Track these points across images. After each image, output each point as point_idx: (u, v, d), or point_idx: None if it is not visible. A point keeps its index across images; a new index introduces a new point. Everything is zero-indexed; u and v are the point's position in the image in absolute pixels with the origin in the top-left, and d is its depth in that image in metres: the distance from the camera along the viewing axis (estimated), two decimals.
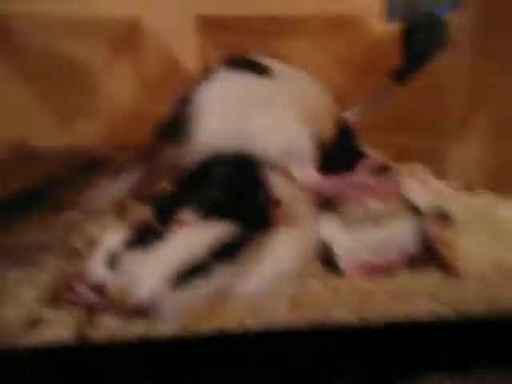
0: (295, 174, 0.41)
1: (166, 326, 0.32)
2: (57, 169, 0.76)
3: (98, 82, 1.04)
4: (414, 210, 0.41)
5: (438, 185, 0.61)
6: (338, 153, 0.45)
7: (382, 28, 0.96)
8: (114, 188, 0.42)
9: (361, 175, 0.39)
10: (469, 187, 0.59)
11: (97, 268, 0.36)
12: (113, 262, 0.36)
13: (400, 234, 0.38)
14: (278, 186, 0.39)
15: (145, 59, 1.08)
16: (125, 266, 0.36)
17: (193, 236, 0.35)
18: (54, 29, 0.93)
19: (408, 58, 0.54)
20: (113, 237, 0.37)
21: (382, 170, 0.41)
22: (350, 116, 0.55)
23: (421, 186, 0.48)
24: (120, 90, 1.05)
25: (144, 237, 0.37)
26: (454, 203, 0.51)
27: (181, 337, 0.32)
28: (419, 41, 0.52)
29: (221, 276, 0.33)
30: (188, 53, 1.07)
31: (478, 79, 0.64)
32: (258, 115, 0.42)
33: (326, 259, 0.39)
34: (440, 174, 0.67)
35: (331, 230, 0.40)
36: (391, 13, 0.53)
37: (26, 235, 0.50)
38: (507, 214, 0.52)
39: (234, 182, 0.38)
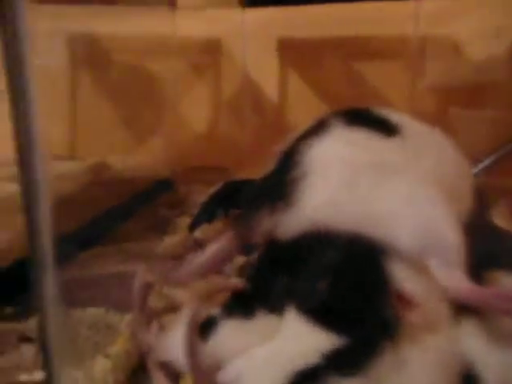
0: (437, 274, 0.29)
1: None
2: (134, 188, 0.75)
3: (177, 102, 1.05)
4: None
5: None
6: (475, 236, 0.34)
7: (489, 54, 0.86)
8: (197, 261, 0.34)
9: None
10: None
11: (177, 343, 0.29)
12: (208, 330, 0.29)
13: None
14: (409, 281, 0.28)
15: (224, 82, 1.07)
16: (221, 338, 0.29)
17: (305, 336, 0.27)
18: (137, 48, 0.94)
19: None
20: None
21: None
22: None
23: None
24: (197, 111, 1.05)
25: (243, 306, 0.30)
26: None
27: None
28: None
29: None
30: (269, 76, 1.04)
31: None
32: (387, 188, 0.31)
33: None
34: None
35: (475, 345, 0.28)
36: None
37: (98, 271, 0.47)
38: None
39: (348, 272, 0.28)
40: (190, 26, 1.01)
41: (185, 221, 0.53)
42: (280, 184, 0.33)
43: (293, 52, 1.03)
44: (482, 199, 0.39)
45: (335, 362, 0.26)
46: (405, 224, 0.30)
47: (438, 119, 0.93)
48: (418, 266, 0.29)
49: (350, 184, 0.31)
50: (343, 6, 0.93)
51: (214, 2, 0.98)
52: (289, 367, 0.26)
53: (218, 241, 0.33)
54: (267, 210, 0.33)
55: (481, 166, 0.48)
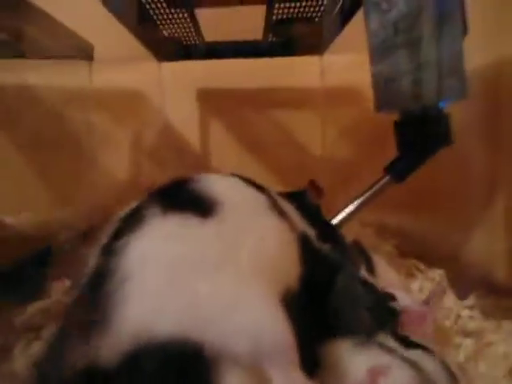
0: (273, 378, 0.26)
1: None
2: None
3: (97, 152, 1.03)
4: None
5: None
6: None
7: None
8: None
9: None
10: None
11: None
12: None
13: None
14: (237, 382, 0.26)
15: (145, 131, 1.08)
16: None
17: None
18: (56, 100, 0.92)
19: (402, 152, 0.46)
20: None
21: None
22: (343, 216, 0.47)
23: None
24: (118, 161, 1.04)
25: None
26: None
27: None
28: (415, 135, 0.44)
29: None
30: (189, 125, 1.06)
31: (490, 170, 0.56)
32: (210, 289, 0.28)
33: None
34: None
35: None
36: (381, 104, 0.47)
37: None
38: None
39: (167, 379, 0.25)
40: (110, 77, 1.02)
41: (63, 285, 0.49)
42: (93, 302, 0.28)
43: (211, 102, 1.06)
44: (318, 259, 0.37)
45: None
46: (233, 329, 0.27)
47: (348, 162, 0.98)
48: (251, 370, 0.27)
49: (170, 287, 0.28)
50: (255, 60, 0.98)
51: (130, 55, 1.00)
52: None
53: None
54: (81, 339, 0.27)
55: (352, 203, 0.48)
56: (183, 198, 0.34)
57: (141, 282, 0.28)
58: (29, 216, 0.82)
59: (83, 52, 0.94)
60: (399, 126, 0.46)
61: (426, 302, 0.38)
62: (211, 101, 1.08)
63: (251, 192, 0.37)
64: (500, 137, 0.55)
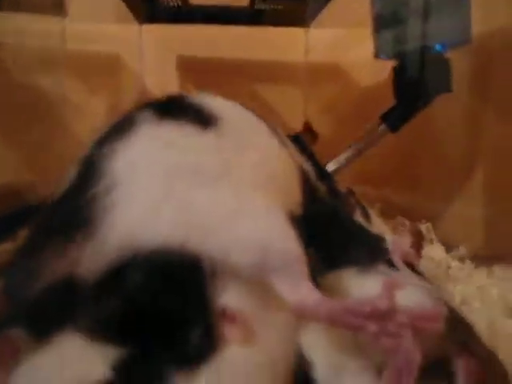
0: (283, 292, 0.24)
1: None
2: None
3: (71, 117, 0.98)
4: None
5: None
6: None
7: (372, 78, 0.93)
8: None
9: (384, 299, 0.22)
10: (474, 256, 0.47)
11: None
12: None
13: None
14: (236, 297, 0.24)
15: (123, 97, 1.03)
16: None
17: (90, 352, 0.22)
18: (30, 62, 0.87)
19: (399, 100, 0.46)
20: None
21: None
22: (337, 164, 0.46)
23: None
24: (93, 129, 0.99)
25: None
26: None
27: None
28: (411, 80, 0.43)
29: None
30: (168, 91, 1.02)
31: (479, 128, 0.57)
32: (210, 198, 0.25)
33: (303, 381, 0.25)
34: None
35: (314, 344, 0.25)
36: (381, 48, 0.46)
37: None
38: None
39: (156, 291, 0.23)
40: (86, 40, 0.96)
41: None
42: (75, 208, 0.25)
43: (192, 70, 1.03)
44: (314, 190, 0.36)
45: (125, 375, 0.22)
46: (236, 238, 0.25)
47: (330, 139, 0.98)
48: (254, 284, 0.25)
49: (162, 196, 0.25)
50: (239, 30, 0.95)
51: (108, 15, 0.95)
52: None
53: None
54: (58, 248, 0.24)
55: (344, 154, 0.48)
56: (181, 107, 0.31)
57: (131, 190, 0.25)
58: None
59: (55, 6, 0.88)
60: (396, 72, 0.45)
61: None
62: (192, 69, 1.04)
63: (252, 116, 0.35)
64: (484, 108, 0.56)
